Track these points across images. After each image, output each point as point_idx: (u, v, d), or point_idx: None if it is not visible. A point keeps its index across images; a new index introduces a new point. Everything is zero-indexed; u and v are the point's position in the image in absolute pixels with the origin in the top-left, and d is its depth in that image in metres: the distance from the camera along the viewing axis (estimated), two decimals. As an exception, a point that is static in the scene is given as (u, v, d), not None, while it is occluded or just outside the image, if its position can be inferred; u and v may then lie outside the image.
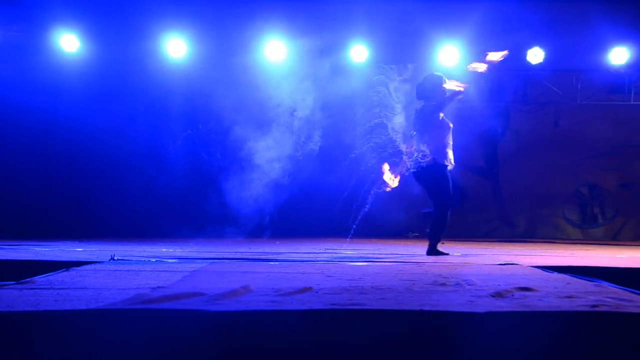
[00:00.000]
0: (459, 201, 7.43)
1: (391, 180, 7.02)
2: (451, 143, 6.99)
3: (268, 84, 10.83)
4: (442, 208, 6.89)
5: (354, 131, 7.70)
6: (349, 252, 7.29)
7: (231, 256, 6.28)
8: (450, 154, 6.96)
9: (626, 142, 13.43)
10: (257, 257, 6.23)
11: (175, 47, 11.83)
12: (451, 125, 7.03)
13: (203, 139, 11.32)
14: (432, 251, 6.91)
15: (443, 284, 3.71)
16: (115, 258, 5.49)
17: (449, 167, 6.91)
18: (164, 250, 7.29)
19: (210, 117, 11.25)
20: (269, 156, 10.28)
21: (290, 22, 11.39)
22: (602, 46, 12.04)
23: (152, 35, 11.74)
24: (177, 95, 11.89)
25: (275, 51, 11.84)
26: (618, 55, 12.09)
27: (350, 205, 9.02)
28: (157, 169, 12.09)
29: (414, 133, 6.98)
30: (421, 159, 6.87)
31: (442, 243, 9.65)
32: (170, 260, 5.57)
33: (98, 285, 3.50)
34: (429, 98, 6.97)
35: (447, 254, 6.85)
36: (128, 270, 4.44)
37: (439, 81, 6.95)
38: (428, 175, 6.88)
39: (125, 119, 11.96)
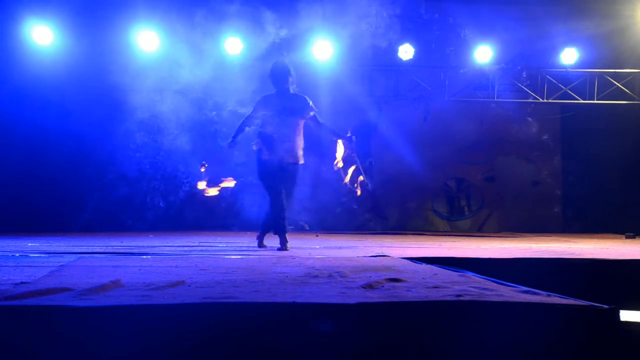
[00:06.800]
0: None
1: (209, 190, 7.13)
2: None
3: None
4: (292, 204, 7.00)
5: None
6: (224, 246, 7.25)
7: (102, 250, 6.10)
8: None
9: (491, 137, 14.06)
10: (129, 251, 6.08)
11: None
12: None
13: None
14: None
15: (316, 276, 3.75)
16: None
17: None
18: (30, 244, 6.99)
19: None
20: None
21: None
22: (468, 44, 12.55)
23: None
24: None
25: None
26: (482, 54, 12.63)
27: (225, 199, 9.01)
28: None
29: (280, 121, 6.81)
30: (299, 152, 6.85)
31: (317, 235, 9.80)
32: (36, 255, 5.35)
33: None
34: (290, 85, 6.87)
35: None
36: (-12, 266, 4.23)
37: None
38: (297, 173, 6.91)
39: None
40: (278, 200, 6.76)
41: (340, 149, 6.99)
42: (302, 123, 6.88)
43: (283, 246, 6.70)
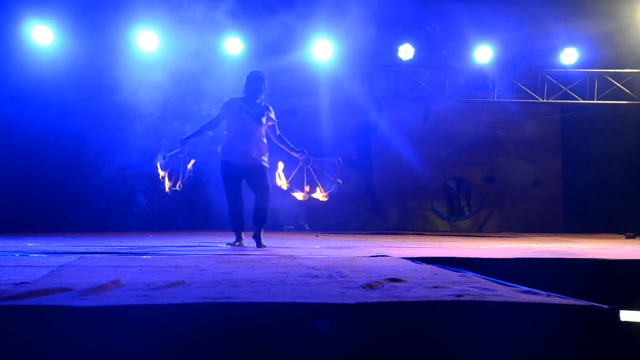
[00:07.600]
0: None
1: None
2: None
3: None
4: (268, 200, 7.10)
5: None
6: (224, 246, 7.25)
7: (102, 250, 6.09)
8: None
9: (490, 138, 14.07)
10: (129, 251, 6.07)
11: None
12: None
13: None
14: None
15: (316, 276, 3.74)
16: None
17: None
18: (30, 244, 6.98)
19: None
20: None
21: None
22: (467, 45, 12.56)
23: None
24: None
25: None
26: (482, 54, 12.63)
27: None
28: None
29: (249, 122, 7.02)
30: (262, 155, 7.04)
31: (317, 235, 9.81)
32: (36, 255, 5.35)
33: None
34: (261, 96, 7.13)
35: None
36: (-12, 266, 4.22)
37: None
38: (263, 172, 7.05)
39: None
40: (232, 199, 7.10)
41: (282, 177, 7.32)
42: (262, 129, 7.09)
43: (233, 243, 7.12)
